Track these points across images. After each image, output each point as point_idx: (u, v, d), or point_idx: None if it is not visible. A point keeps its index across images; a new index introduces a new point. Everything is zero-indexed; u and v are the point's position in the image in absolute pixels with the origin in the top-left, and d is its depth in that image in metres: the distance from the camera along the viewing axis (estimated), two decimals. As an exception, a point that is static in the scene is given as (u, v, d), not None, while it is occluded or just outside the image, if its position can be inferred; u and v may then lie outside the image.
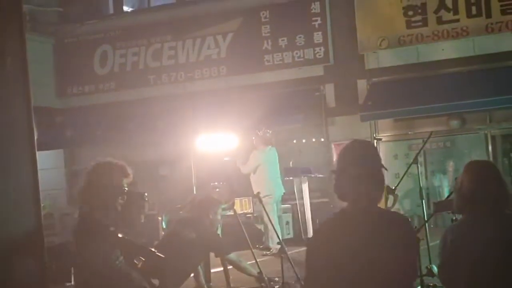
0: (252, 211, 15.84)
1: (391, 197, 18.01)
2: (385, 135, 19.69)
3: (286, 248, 9.27)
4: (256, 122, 18.44)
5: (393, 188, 10.03)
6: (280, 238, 9.86)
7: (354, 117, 19.27)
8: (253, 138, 13.97)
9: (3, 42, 4.44)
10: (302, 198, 15.47)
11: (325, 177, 18.19)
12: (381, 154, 18.81)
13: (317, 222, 16.71)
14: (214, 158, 17.85)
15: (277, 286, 8.91)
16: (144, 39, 21.74)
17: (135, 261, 5.23)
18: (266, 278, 8.57)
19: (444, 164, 19.70)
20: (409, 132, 19.77)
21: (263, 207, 10.09)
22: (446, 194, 19.08)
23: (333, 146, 20.09)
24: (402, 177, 10.48)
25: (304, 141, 19.83)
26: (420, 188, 9.54)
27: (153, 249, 4.71)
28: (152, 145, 20.19)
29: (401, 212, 19.23)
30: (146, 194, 7.16)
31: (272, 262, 11.41)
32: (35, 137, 4.54)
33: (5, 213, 4.35)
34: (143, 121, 20.28)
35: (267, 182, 13.25)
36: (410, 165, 10.03)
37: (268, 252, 13.31)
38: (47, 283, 4.51)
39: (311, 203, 15.71)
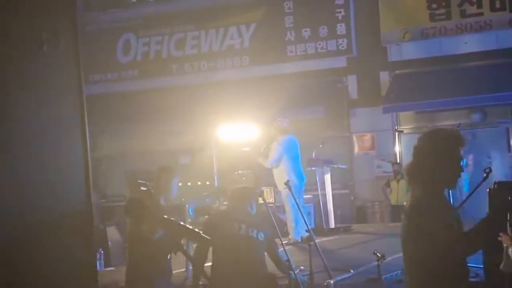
0: (274, 201, 15.87)
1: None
2: (406, 127, 19.72)
3: (314, 237, 9.31)
4: (278, 112, 18.49)
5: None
6: (308, 227, 9.86)
7: (376, 109, 19.29)
8: (270, 130, 13.80)
9: (56, 23, 4.52)
10: (324, 189, 15.50)
11: (347, 168, 18.26)
12: (402, 146, 18.95)
13: (339, 213, 16.81)
14: (235, 147, 17.95)
15: (305, 274, 8.95)
16: (167, 28, 21.82)
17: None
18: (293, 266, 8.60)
19: (465, 157, 19.64)
20: (429, 125, 19.75)
21: (293, 195, 10.09)
22: (465, 188, 19.08)
23: (354, 137, 20.14)
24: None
25: (325, 132, 19.86)
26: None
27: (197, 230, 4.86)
28: (173, 134, 20.28)
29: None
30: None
31: (292, 252, 11.49)
32: (85, 114, 4.65)
33: (57, 188, 4.45)
34: (164, 110, 20.36)
35: (290, 173, 13.16)
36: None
37: (286, 242, 13.33)
38: (94, 258, 4.64)
39: (332, 194, 15.75)
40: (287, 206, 13.36)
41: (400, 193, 18.05)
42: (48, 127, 4.39)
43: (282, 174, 12.94)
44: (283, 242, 13.13)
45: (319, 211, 15.97)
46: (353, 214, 19.68)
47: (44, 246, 4.25)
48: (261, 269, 7.46)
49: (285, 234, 13.38)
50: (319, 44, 20.13)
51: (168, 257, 7.26)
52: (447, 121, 19.34)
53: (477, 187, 8.40)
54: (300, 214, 11.37)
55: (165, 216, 4.83)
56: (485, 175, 8.40)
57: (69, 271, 4.36)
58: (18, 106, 4.24)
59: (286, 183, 9.83)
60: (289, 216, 13.45)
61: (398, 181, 18.10)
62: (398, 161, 19.35)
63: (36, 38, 4.35)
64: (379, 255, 8.09)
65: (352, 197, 20.04)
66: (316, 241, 12.97)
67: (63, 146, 4.51)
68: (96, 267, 4.80)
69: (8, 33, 4.21)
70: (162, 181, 7.72)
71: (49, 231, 4.28)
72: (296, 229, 13.22)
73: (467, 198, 8.47)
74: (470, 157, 19.43)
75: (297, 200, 11.29)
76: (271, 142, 13.47)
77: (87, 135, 4.57)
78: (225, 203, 11.01)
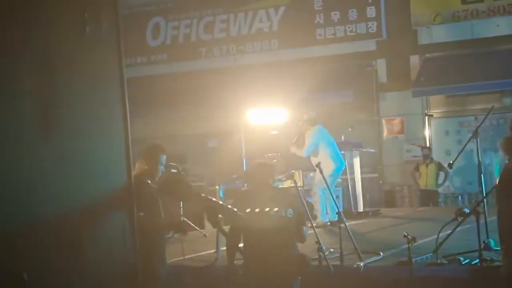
0: (302, 185, 15.84)
1: (442, 174, 17.97)
2: (436, 111, 19.56)
3: (345, 219, 9.26)
4: (307, 96, 18.43)
5: (450, 163, 9.92)
6: (339, 209, 9.80)
7: (406, 93, 19.17)
8: (299, 123, 13.91)
9: (99, 9, 4.58)
10: (352, 173, 15.44)
11: (376, 152, 18.15)
12: (432, 131, 18.84)
13: (367, 197, 16.72)
14: (263, 131, 17.91)
15: (334, 256, 8.91)
16: (196, 12, 21.79)
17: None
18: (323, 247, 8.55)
19: (496, 142, 19.42)
20: (459, 109, 19.61)
21: (324, 178, 10.02)
22: (496, 172, 18.89)
23: (383, 121, 20.02)
24: (460, 152, 10.36)
25: (354, 116, 19.77)
26: (479, 163, 9.43)
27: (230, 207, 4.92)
28: (202, 118, 20.29)
29: (451, 189, 19.14)
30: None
31: (322, 234, 11.46)
32: (126, 95, 4.70)
33: (101, 168, 4.52)
34: (193, 93, 20.37)
35: (331, 160, 13.27)
36: (469, 139, 9.90)
37: (315, 224, 13.35)
38: (136, 234, 4.71)
39: (361, 178, 15.69)
40: (317, 188, 13.36)
41: (430, 178, 17.95)
42: (92, 111, 4.45)
43: (323, 161, 12.99)
44: (312, 225, 13.24)
45: (347, 194, 15.89)
46: (382, 198, 19.58)
47: (88, 223, 4.31)
48: (292, 250, 7.40)
49: (314, 217, 13.34)
50: (349, 27, 19.99)
51: None
52: (478, 105, 19.16)
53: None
54: (331, 197, 11.40)
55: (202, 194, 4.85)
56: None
57: (114, 244, 4.43)
58: (64, 91, 4.28)
59: (318, 165, 9.75)
60: (316, 200, 13.47)
61: (427, 166, 17.99)
62: (427, 145, 19.21)
63: (79, 23, 4.39)
64: (410, 238, 8.02)
65: (381, 181, 19.94)
66: (328, 223, 13.05)
67: (107, 129, 4.56)
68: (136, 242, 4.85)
69: (53, 19, 4.24)
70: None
71: (94, 210, 4.33)
72: (323, 212, 13.26)
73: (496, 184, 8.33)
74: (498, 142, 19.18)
75: (329, 184, 11.34)
76: (302, 133, 13.57)
77: (128, 118, 4.61)
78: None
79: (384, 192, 19.76)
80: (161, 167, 7.25)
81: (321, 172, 9.85)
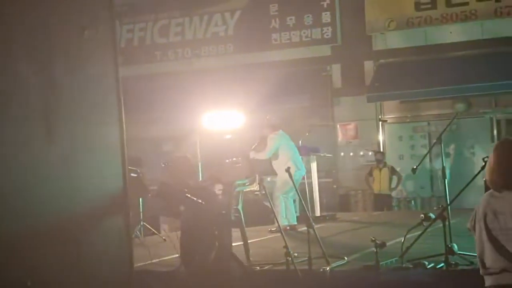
0: (259, 189, 15.88)
1: (395, 178, 18.18)
2: (390, 116, 19.76)
3: (313, 223, 9.28)
4: (262, 100, 18.47)
5: (414, 168, 10.02)
6: (309, 213, 9.87)
7: (360, 98, 19.34)
8: (262, 128, 14.02)
9: (96, 13, 4.57)
10: (309, 177, 15.50)
11: (332, 157, 18.26)
12: (386, 136, 19.03)
13: (324, 202, 16.82)
14: (219, 135, 17.89)
15: (301, 260, 8.91)
16: (152, 15, 21.68)
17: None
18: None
19: (448, 147, 19.76)
20: (412, 115, 19.86)
21: (293, 182, 10.07)
22: (448, 177, 19.15)
23: (338, 126, 20.16)
24: (424, 157, 10.49)
25: (310, 121, 19.88)
26: (443, 168, 9.54)
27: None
28: (157, 121, 20.19)
29: (404, 194, 19.36)
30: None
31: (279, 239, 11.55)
32: (121, 97, 4.69)
33: (95, 170, 4.50)
34: (149, 96, 20.26)
35: (291, 163, 13.30)
36: (434, 145, 10.01)
37: (274, 229, 13.41)
38: (131, 236, 4.69)
39: (316, 183, 15.79)
40: (279, 193, 13.41)
41: (383, 182, 18.13)
42: (89, 110, 4.43)
43: (282, 164, 13.08)
44: (271, 229, 13.27)
45: (304, 199, 15.96)
46: (337, 202, 19.71)
47: (84, 226, 4.28)
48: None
49: (272, 221, 13.40)
50: (304, 33, 20.10)
51: None
52: (431, 111, 19.47)
53: (475, 176, 8.40)
54: (291, 202, 11.48)
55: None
56: (483, 163, 8.38)
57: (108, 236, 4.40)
58: (63, 90, 4.26)
59: (287, 170, 9.78)
60: (278, 203, 13.51)
61: (380, 170, 18.16)
62: (381, 150, 19.41)
63: (78, 25, 4.39)
64: (379, 243, 8.08)
65: (334, 186, 20.06)
66: (303, 229, 13.08)
67: (103, 128, 4.55)
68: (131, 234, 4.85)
69: (55, 24, 4.23)
70: None
71: (91, 212, 4.31)
72: (283, 217, 13.33)
73: (464, 187, 8.45)
74: (452, 146, 19.53)
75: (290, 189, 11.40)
76: (264, 138, 13.66)
77: (123, 116, 4.60)
78: (220, 189, 10.95)
79: (339, 196, 19.90)
80: None
81: (290, 176, 9.87)
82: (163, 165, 7.35)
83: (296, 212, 14.18)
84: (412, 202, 19.37)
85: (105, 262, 4.48)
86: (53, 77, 4.25)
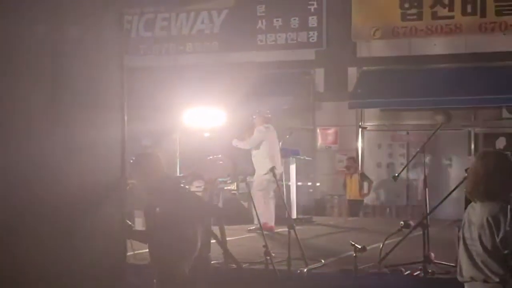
0: (237, 189, 15.92)
1: (365, 184, 18.32)
2: (370, 124, 19.87)
3: (294, 225, 9.33)
4: (244, 100, 18.49)
5: (395, 175, 10.11)
6: (290, 214, 9.92)
7: (342, 104, 19.43)
8: (253, 117, 14.05)
9: (101, 16, 4.57)
10: (288, 179, 15.56)
11: (311, 160, 18.34)
12: (365, 142, 19.13)
13: (301, 205, 16.88)
14: (199, 132, 17.89)
15: (278, 260, 8.95)
16: (137, 8, 21.61)
17: None
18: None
19: (426, 157, 19.85)
20: (392, 123, 20.00)
21: (276, 181, 10.12)
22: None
23: (318, 130, 20.25)
24: (405, 167, 10.59)
25: (290, 123, 19.95)
26: (425, 177, 9.64)
27: None
28: (137, 116, 20.06)
29: (380, 201, 19.50)
30: None
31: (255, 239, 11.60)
32: (125, 96, 4.70)
33: (95, 163, 4.50)
34: (129, 91, 20.16)
35: (268, 160, 13.33)
36: (416, 153, 10.15)
37: (253, 228, 13.44)
38: (125, 227, 4.69)
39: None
40: (259, 192, 13.43)
41: (353, 188, 18.26)
42: (95, 100, 4.44)
43: (261, 160, 13.14)
44: (249, 229, 13.30)
45: (280, 200, 16.02)
46: (312, 206, 19.77)
47: (81, 213, 4.29)
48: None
49: (250, 220, 13.45)
50: (290, 35, 20.19)
51: None
52: (411, 121, 19.61)
53: (456, 187, 8.48)
54: (271, 202, 11.50)
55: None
56: (466, 175, 8.48)
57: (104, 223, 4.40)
58: (69, 78, 4.26)
59: (272, 169, 9.83)
60: (257, 203, 13.51)
61: (351, 176, 18.30)
62: (359, 156, 19.55)
63: (89, 15, 4.39)
64: (359, 247, 8.15)
65: (311, 190, 20.13)
66: (279, 230, 13.15)
67: (106, 120, 4.55)
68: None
69: (61, 13, 4.23)
70: None
71: (86, 200, 4.32)
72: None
73: (446, 197, 8.56)
74: (429, 157, 19.63)
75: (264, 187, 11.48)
76: (251, 128, 13.71)
77: (125, 111, 4.62)
78: (198, 186, 11.00)
79: (315, 200, 19.97)
80: None
81: (274, 176, 9.93)
82: (131, 161, 7.26)
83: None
84: (388, 209, 19.49)
85: (100, 251, 4.49)
86: (59, 70, 4.26)
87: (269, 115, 14.06)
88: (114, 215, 4.63)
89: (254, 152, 13.69)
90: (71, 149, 4.32)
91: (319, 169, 20.01)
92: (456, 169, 18.45)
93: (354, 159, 18.90)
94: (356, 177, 18.27)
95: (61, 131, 4.24)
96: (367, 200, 19.27)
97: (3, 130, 3.93)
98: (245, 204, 15.79)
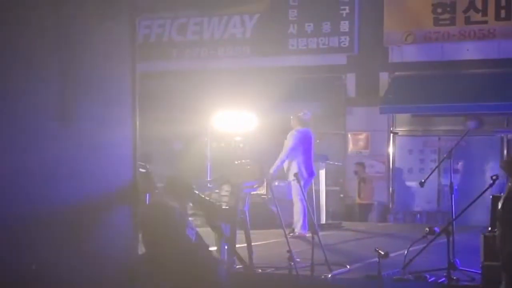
0: (266, 193, 15.95)
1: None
2: (401, 129, 19.78)
3: (318, 230, 9.33)
4: (275, 104, 18.54)
5: (422, 181, 10.06)
6: (314, 220, 9.92)
7: (373, 109, 19.37)
8: (291, 118, 14.00)
9: (116, 5, 4.61)
10: (317, 184, 15.54)
11: (340, 166, 18.31)
12: (396, 148, 19.06)
13: (330, 210, 16.85)
14: (230, 137, 17.94)
15: (303, 266, 8.96)
16: (171, 12, 21.74)
17: None
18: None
19: (457, 163, 19.77)
20: (424, 129, 19.92)
21: (301, 188, 10.13)
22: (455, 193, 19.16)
23: (349, 135, 20.20)
24: (432, 171, 10.48)
25: (321, 128, 19.92)
26: (451, 183, 9.57)
27: None
28: (169, 119, 20.22)
29: (411, 207, 19.41)
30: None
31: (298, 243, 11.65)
32: (137, 97, 4.74)
33: (107, 162, 4.55)
34: (162, 94, 20.31)
35: (300, 165, 13.31)
36: (443, 159, 10.03)
37: (292, 234, 13.43)
38: (137, 228, 4.74)
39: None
40: (296, 198, 13.42)
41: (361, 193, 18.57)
42: (104, 103, 4.47)
43: (293, 166, 13.12)
44: (291, 235, 13.27)
45: (310, 206, 16.01)
46: (342, 211, 19.72)
47: (91, 218, 4.33)
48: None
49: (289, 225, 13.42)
50: (321, 40, 20.16)
51: None
52: (443, 127, 19.48)
53: (482, 193, 8.44)
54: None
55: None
56: (491, 181, 8.45)
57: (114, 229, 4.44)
58: (80, 83, 4.30)
59: (295, 175, 9.83)
60: (297, 210, 13.50)
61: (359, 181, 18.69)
62: (390, 161, 19.54)
63: (101, 14, 4.43)
64: (382, 253, 8.12)
65: (341, 195, 20.08)
66: (308, 235, 13.12)
67: (117, 122, 4.59)
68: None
69: (75, 12, 4.26)
70: None
71: (96, 204, 4.36)
72: (304, 224, 13.32)
73: (471, 203, 8.51)
74: (460, 163, 19.52)
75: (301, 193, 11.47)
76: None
77: (137, 112, 4.65)
78: (227, 190, 10.99)
79: (345, 206, 19.92)
80: None
81: (299, 182, 9.93)
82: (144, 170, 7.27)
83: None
84: (418, 215, 19.38)
85: (111, 250, 4.54)
86: (70, 69, 4.29)
87: (306, 116, 13.89)
88: (126, 214, 4.67)
89: (286, 161, 13.65)
90: (84, 146, 4.36)
91: (349, 174, 19.94)
92: (488, 175, 18.21)
93: (363, 165, 19.02)
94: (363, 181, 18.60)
95: (72, 129, 4.28)
96: (398, 206, 19.34)
97: (12, 130, 3.99)
98: (274, 209, 15.81)
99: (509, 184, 5.90)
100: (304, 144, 13.59)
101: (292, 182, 13.44)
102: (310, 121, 14.07)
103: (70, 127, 4.27)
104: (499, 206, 6.62)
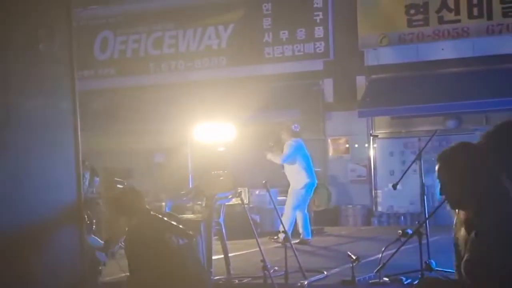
0: (248, 202, 15.95)
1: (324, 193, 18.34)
2: (381, 132, 19.77)
3: (290, 238, 9.36)
4: (254, 113, 18.55)
5: (394, 184, 10.08)
6: (285, 228, 9.98)
7: (352, 113, 19.38)
8: (282, 131, 14.25)
9: (53, 25, 4.58)
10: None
11: (321, 171, 18.30)
12: (377, 151, 19.08)
13: (312, 215, 16.84)
14: (210, 147, 17.92)
15: (279, 275, 8.97)
16: (146, 27, 21.78)
17: None
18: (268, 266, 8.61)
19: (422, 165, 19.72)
20: (403, 131, 19.92)
21: (270, 197, 10.14)
22: (438, 193, 19.17)
23: (329, 141, 20.21)
24: (404, 174, 10.52)
25: (302, 135, 19.93)
26: (422, 185, 9.61)
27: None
28: (149, 133, 20.23)
29: (395, 209, 19.40)
30: None
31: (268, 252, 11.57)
32: (78, 112, 4.71)
33: (53, 182, 4.50)
34: (141, 108, 20.30)
35: (305, 173, 13.58)
36: (414, 161, 10.10)
37: (275, 238, 13.60)
38: (85, 249, 4.69)
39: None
40: (290, 206, 13.64)
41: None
42: (44, 124, 4.44)
43: (296, 173, 13.32)
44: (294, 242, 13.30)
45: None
46: (326, 216, 19.68)
47: (37, 239, 4.28)
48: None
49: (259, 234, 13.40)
50: (297, 47, 20.18)
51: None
52: (422, 127, 19.48)
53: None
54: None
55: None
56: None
57: (60, 260, 4.39)
58: (18, 103, 4.26)
59: (264, 184, 9.82)
60: (289, 216, 13.73)
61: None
62: (372, 165, 19.52)
63: (33, 36, 4.39)
64: (353, 258, 8.13)
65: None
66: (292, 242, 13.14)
67: (58, 143, 4.56)
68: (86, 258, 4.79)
69: (6, 32, 4.22)
70: None
71: (43, 224, 4.31)
72: (307, 229, 13.51)
73: (441, 203, 8.50)
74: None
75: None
76: (281, 143, 13.86)
77: (79, 132, 4.62)
78: (199, 202, 11.01)
79: (327, 211, 19.87)
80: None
81: (268, 191, 9.94)
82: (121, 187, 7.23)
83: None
84: (402, 217, 19.37)
85: (57, 275, 4.48)
86: (7, 89, 4.26)
87: (297, 128, 14.22)
88: (72, 235, 4.62)
89: (287, 167, 13.85)
90: (20, 175, 4.31)
91: (331, 179, 19.94)
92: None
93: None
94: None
95: (9, 157, 4.24)
96: (382, 208, 19.34)
97: None
98: (256, 218, 15.83)
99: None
100: (301, 152, 14.05)
101: (289, 191, 13.74)
102: (300, 131, 14.41)
103: (8, 149, 4.22)
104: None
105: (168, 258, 6.06)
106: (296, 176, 13.79)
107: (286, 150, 13.91)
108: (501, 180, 4.37)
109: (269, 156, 14.07)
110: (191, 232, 6.08)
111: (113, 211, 6.35)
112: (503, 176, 4.37)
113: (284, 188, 15.96)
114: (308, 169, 13.98)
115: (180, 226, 5.93)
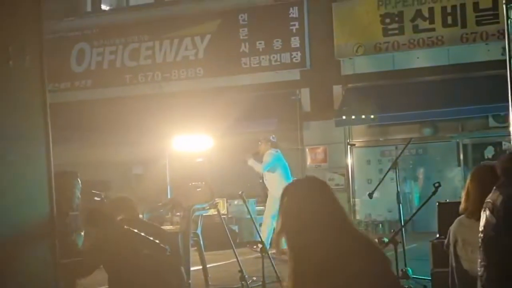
0: (226, 213, 15.99)
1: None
2: (358, 140, 19.87)
3: (267, 248, 9.38)
4: (232, 124, 18.58)
5: (370, 193, 10.15)
6: (263, 237, 10.01)
7: (329, 122, 19.47)
8: (259, 143, 14.32)
9: (23, 41, 4.56)
10: (276, 201, 15.61)
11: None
12: (354, 159, 19.18)
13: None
14: (188, 158, 17.92)
15: (257, 285, 8.99)
16: (122, 38, 21.77)
17: None
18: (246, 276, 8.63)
19: (416, 171, 19.93)
20: (380, 139, 20.02)
21: (247, 207, 10.14)
22: (416, 201, 19.35)
23: (307, 150, 20.27)
24: (380, 182, 10.61)
25: (279, 144, 19.98)
26: (398, 193, 9.68)
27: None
28: (127, 144, 20.17)
29: (373, 217, 19.48)
30: None
31: (247, 263, 11.57)
32: (49, 128, 4.67)
33: (24, 198, 4.47)
34: (118, 120, 20.27)
35: (285, 183, 13.60)
36: (389, 169, 10.19)
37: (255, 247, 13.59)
38: (58, 266, 4.66)
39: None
40: (268, 216, 13.68)
41: None
42: (14, 141, 4.41)
43: (276, 182, 13.38)
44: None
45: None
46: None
47: (8, 255, 4.26)
48: None
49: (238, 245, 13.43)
50: (273, 57, 20.25)
51: None
52: (399, 135, 19.60)
53: (425, 201, 8.51)
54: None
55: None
56: (434, 189, 8.54)
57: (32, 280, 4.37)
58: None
59: (240, 195, 9.82)
60: (264, 227, 13.74)
61: None
62: (350, 173, 19.60)
63: (3, 56, 4.38)
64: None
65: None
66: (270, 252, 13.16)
67: (29, 159, 4.54)
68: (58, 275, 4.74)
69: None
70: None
71: (13, 241, 4.29)
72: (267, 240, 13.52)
73: (416, 211, 8.57)
74: (420, 170, 19.70)
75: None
76: (260, 153, 13.92)
77: (51, 148, 4.60)
78: (178, 214, 11.01)
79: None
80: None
81: (244, 202, 9.93)
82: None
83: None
84: (380, 225, 19.46)
85: (30, 285, 4.47)
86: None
87: (275, 140, 14.33)
88: (44, 250, 4.60)
89: (268, 176, 13.92)
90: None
91: (309, 189, 19.96)
92: (447, 181, 18.41)
93: None
94: None
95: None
96: (360, 216, 19.42)
97: None
98: (234, 228, 15.85)
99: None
100: (281, 162, 14.24)
101: (268, 200, 13.84)
102: (277, 143, 14.60)
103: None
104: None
105: (142, 271, 6.07)
106: (277, 185, 13.82)
107: (267, 158, 14.02)
108: None
109: (250, 162, 14.18)
110: (166, 246, 6.07)
111: (85, 222, 6.40)
112: None
113: (262, 198, 16.02)
114: (288, 179, 14.04)
115: (155, 240, 5.92)
